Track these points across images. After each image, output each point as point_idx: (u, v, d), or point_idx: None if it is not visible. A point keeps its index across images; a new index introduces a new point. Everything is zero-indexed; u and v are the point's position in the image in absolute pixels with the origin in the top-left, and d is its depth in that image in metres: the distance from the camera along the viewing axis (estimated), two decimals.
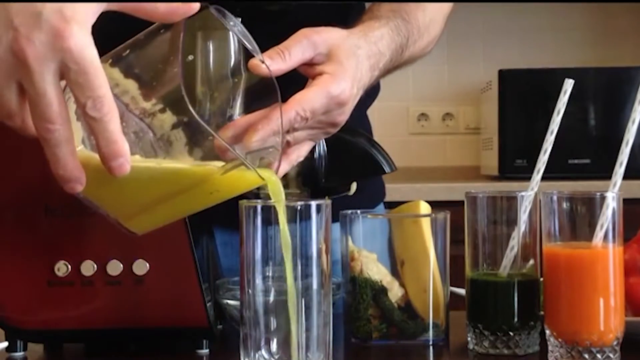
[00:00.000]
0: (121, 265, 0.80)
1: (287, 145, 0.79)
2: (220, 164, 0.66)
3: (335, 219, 0.81)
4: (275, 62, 0.75)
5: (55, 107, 0.59)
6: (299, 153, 0.81)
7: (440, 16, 1.03)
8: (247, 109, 0.77)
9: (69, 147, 0.61)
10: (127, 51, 0.65)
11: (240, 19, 0.75)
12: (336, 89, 0.78)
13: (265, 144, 0.72)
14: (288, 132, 0.77)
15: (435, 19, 1.01)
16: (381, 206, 1.20)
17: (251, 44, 0.72)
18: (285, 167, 0.79)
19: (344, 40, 0.81)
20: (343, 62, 0.79)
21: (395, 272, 0.89)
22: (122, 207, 0.69)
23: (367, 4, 1.05)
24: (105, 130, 0.60)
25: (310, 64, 0.79)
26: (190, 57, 0.69)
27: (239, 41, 0.72)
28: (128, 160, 0.61)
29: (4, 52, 0.59)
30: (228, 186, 0.68)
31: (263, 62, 0.73)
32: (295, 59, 0.77)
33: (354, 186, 0.99)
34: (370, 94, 1.18)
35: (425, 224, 0.87)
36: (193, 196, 0.68)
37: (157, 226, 0.72)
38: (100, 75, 0.59)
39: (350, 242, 0.88)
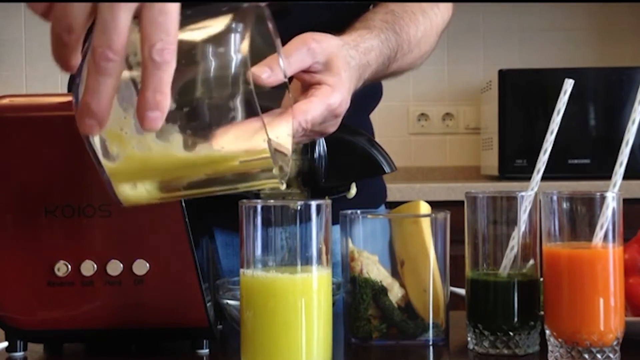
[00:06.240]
0: (121, 265, 0.80)
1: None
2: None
3: (335, 221, 0.81)
4: (275, 72, 0.75)
5: (122, 38, 0.59)
6: None
7: (433, 32, 1.04)
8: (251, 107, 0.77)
9: (115, 82, 0.60)
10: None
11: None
12: (335, 101, 0.79)
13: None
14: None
15: (428, 34, 1.02)
16: (382, 207, 1.20)
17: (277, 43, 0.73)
18: None
19: (340, 50, 0.83)
20: (341, 74, 0.81)
21: (395, 272, 0.89)
22: (126, 169, 0.66)
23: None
24: (158, 78, 0.59)
25: (307, 71, 0.80)
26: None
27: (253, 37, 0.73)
28: (163, 118, 0.60)
29: None
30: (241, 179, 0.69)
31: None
32: (294, 67, 0.78)
33: (353, 188, 0.99)
34: (373, 97, 1.18)
35: (425, 224, 0.87)
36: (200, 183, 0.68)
37: (145, 202, 0.70)
38: (176, 23, 0.59)
39: (350, 243, 0.88)
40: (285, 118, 0.75)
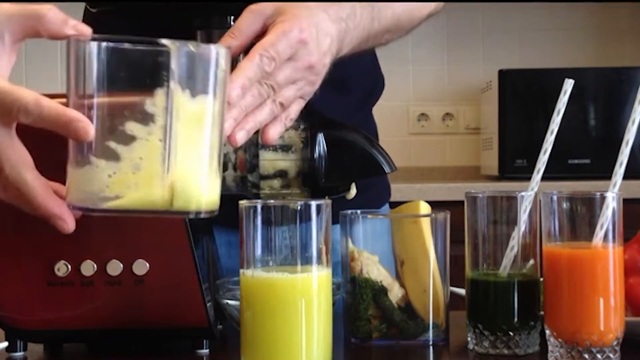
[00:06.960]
0: (121, 265, 0.80)
1: (282, 108, 0.78)
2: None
3: (335, 221, 0.81)
4: (225, 41, 0.76)
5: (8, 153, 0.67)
6: (289, 115, 0.80)
7: None
8: None
9: (27, 174, 0.67)
10: None
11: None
12: (290, 28, 0.77)
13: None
14: (274, 91, 0.76)
15: None
16: (386, 207, 1.19)
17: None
18: (279, 129, 0.79)
19: (291, 2, 0.81)
20: (293, 12, 0.79)
21: (396, 273, 0.89)
22: (165, 188, 0.64)
23: None
24: (47, 115, 0.64)
25: (263, 34, 0.79)
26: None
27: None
28: (85, 121, 0.63)
29: None
30: None
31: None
32: (247, 32, 0.78)
33: (353, 188, 0.99)
34: (374, 91, 1.17)
35: (425, 224, 0.87)
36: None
37: (217, 189, 0.67)
38: (6, 97, 0.66)
39: (350, 243, 0.88)
40: (242, 63, 0.74)
